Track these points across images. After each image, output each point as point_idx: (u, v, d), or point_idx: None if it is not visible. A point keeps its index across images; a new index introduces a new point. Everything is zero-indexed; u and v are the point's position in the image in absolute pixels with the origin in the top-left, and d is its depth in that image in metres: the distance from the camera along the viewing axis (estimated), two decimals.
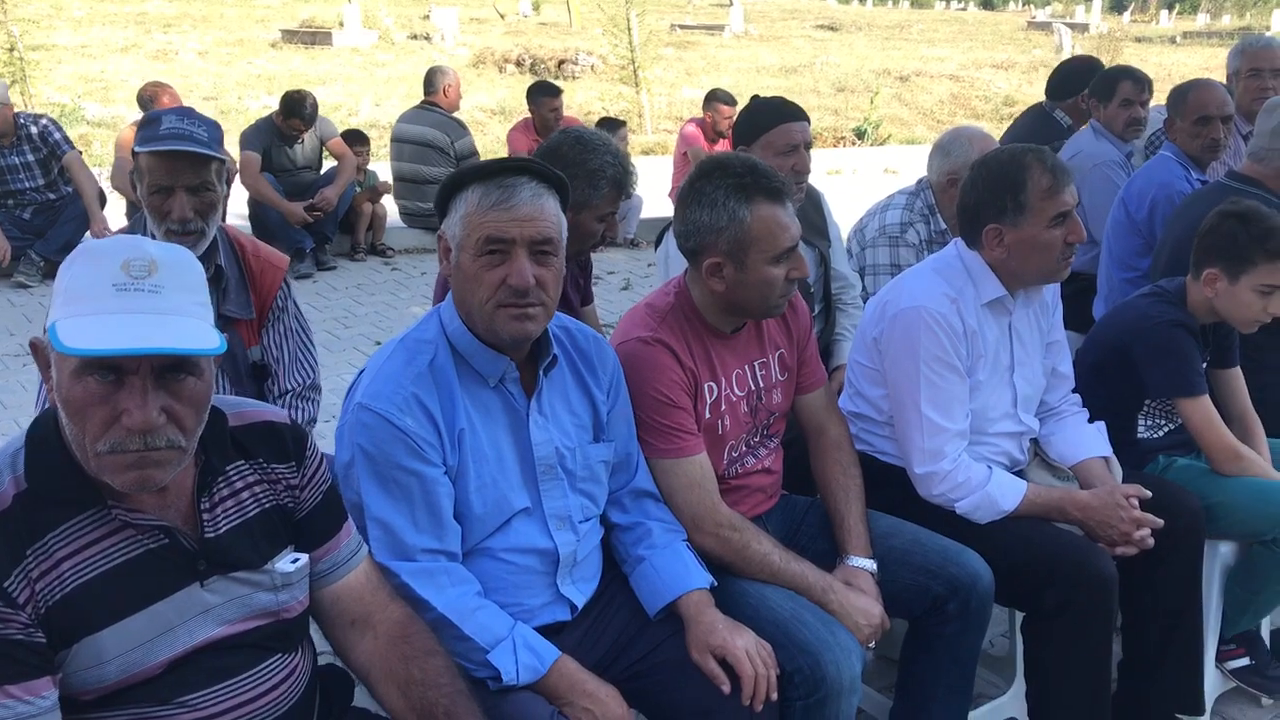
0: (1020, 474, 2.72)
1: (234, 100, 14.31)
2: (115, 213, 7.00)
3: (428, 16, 22.43)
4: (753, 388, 2.47)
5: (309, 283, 6.93)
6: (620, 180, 2.93)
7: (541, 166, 2.03)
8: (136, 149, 2.58)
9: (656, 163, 10.38)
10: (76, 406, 1.48)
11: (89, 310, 1.46)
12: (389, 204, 7.61)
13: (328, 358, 5.55)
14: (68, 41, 18.30)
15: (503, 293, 1.96)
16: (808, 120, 3.28)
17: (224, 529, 1.69)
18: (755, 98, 3.50)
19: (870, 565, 2.41)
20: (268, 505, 1.76)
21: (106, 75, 15.03)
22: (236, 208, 7.02)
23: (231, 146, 7.06)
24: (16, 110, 6.49)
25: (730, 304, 2.36)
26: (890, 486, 2.65)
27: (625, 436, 2.26)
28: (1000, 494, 2.57)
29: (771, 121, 3.22)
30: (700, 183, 2.31)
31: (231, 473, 1.72)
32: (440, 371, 2.02)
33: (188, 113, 2.62)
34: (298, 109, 6.80)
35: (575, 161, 2.89)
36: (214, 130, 2.60)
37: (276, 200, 6.78)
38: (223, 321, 2.71)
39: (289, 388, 2.83)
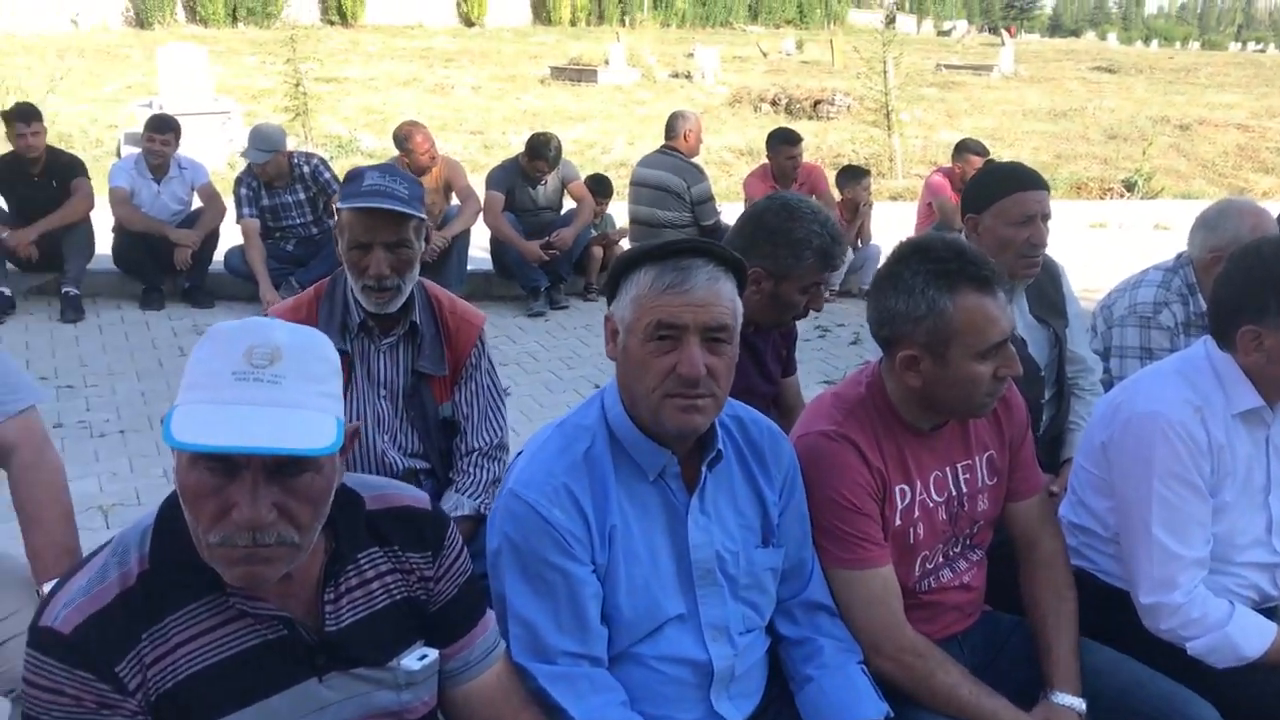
0: (1271, 613, 2.33)
1: (498, 135, 14.91)
2: None
3: (691, 55, 22.75)
4: (954, 493, 2.22)
5: (541, 321, 7.05)
6: (827, 251, 2.73)
7: (719, 249, 1.88)
8: (338, 205, 2.61)
9: (903, 209, 10.01)
10: (190, 495, 1.43)
11: (206, 398, 1.41)
12: (624, 247, 7.67)
13: (547, 397, 5.59)
14: (358, 75, 19.66)
15: (671, 382, 1.81)
16: (1047, 189, 2.98)
17: (347, 622, 1.61)
18: (989, 162, 3.22)
19: (1079, 705, 2.11)
20: (398, 597, 1.68)
21: (386, 108, 15.99)
22: (479, 240, 7.22)
23: (478, 185, 7.31)
24: (292, 149, 6.91)
25: (928, 401, 2.12)
26: (1112, 612, 2.33)
27: (799, 541, 2.06)
28: (1243, 636, 2.20)
29: (1006, 189, 2.93)
30: (898, 266, 2.09)
31: (363, 561, 1.65)
32: (596, 462, 1.89)
33: (390, 170, 2.63)
34: (542, 151, 6.94)
35: (779, 229, 2.72)
36: (414, 188, 2.59)
37: (515, 239, 6.93)
38: (415, 376, 2.71)
39: (476, 446, 2.80)
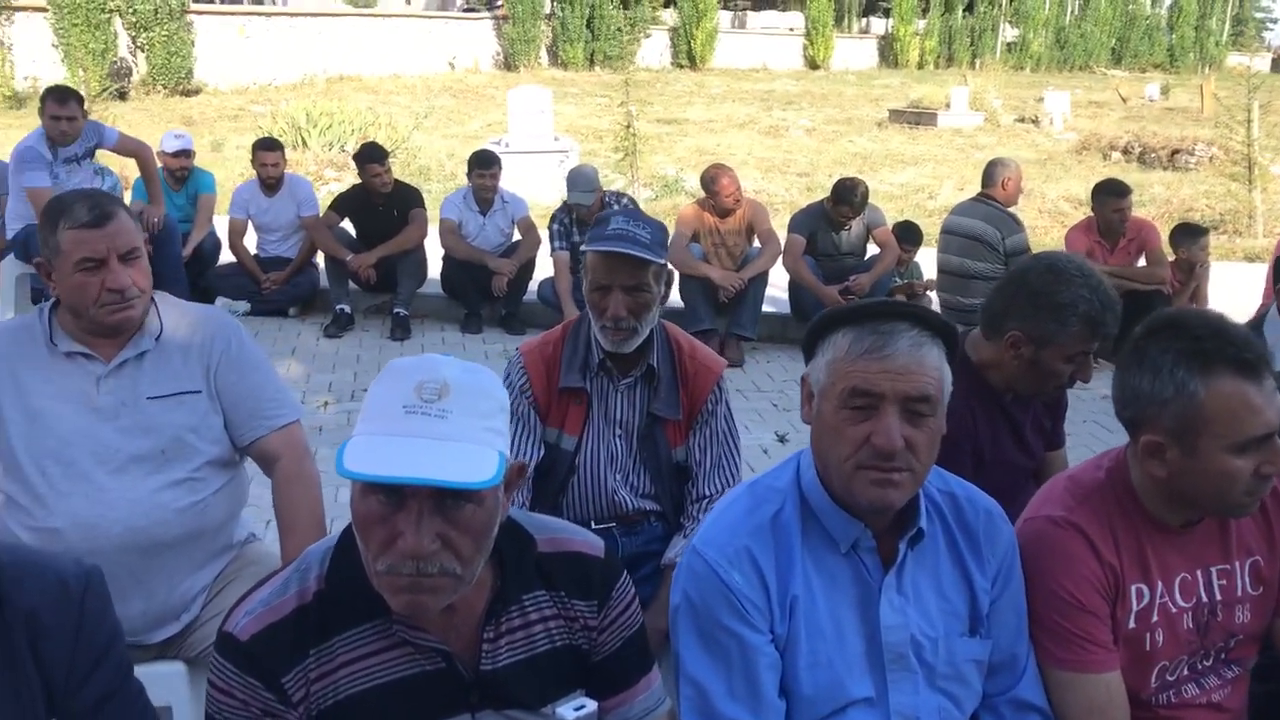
0: None
1: (824, 178, 14.84)
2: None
3: (1041, 99, 21.74)
4: (1204, 600, 1.95)
5: None
6: (1095, 318, 2.49)
7: (924, 312, 1.76)
8: (584, 248, 2.68)
9: (1257, 271, 9.04)
10: (361, 523, 1.49)
11: (377, 429, 1.46)
12: (930, 298, 7.39)
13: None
14: (698, 116, 20.25)
15: (865, 453, 1.70)
16: None
17: (503, 662, 1.62)
18: None
19: None
20: (559, 643, 1.67)
21: (719, 149, 16.33)
22: (777, 279, 7.20)
23: (780, 229, 7.29)
24: (605, 189, 7.17)
25: (1175, 494, 1.88)
26: None
27: (1012, 633, 1.88)
28: None
29: None
30: (1146, 341, 1.87)
31: (528, 602, 1.65)
32: (783, 527, 1.81)
33: (634, 215, 2.66)
34: (848, 196, 6.83)
35: (1043, 291, 2.52)
36: (657, 234, 2.61)
37: (813, 283, 6.85)
38: (650, 418, 2.73)
39: (706, 493, 2.76)
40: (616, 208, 6.88)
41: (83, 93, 7.32)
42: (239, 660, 1.54)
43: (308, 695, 1.54)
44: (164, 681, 2.40)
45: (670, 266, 2.74)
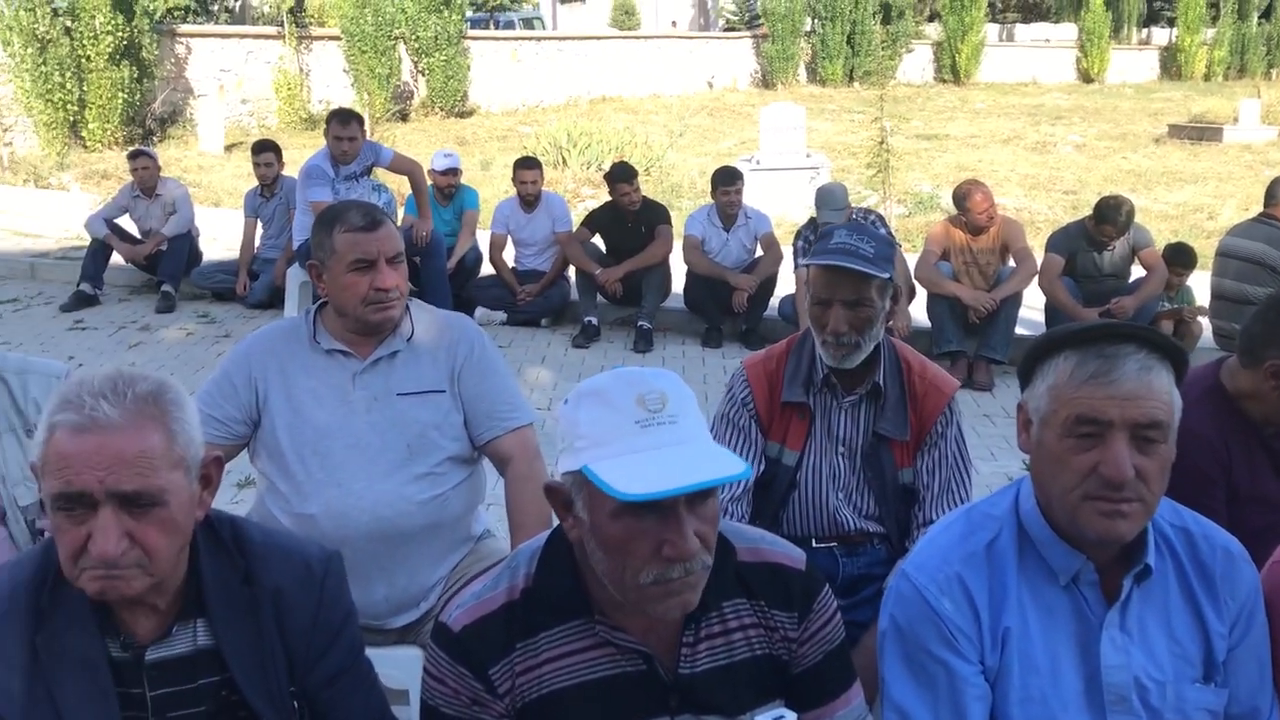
0: None
1: (1093, 196, 14.08)
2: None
3: None
4: None
5: None
6: None
7: (1152, 334, 1.66)
8: (806, 261, 2.67)
9: None
10: (617, 544, 1.52)
11: (621, 450, 1.50)
12: (1202, 324, 6.89)
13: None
14: (959, 132, 19.68)
15: (1092, 483, 1.63)
16: None
17: (702, 667, 1.65)
18: None
19: None
20: (759, 652, 1.68)
21: (980, 165, 15.81)
22: (1031, 299, 6.88)
23: (1039, 249, 6.98)
24: (853, 206, 7.07)
25: None
26: None
27: (1254, 685, 1.75)
28: None
29: None
30: None
31: (727, 610, 1.68)
32: (999, 556, 1.75)
33: (860, 229, 2.63)
34: (1111, 215, 6.47)
35: None
36: (883, 248, 2.57)
37: (1070, 305, 6.51)
38: (876, 438, 2.68)
39: (933, 517, 2.69)
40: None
41: (368, 115, 7.91)
42: (451, 650, 1.63)
43: (514, 688, 1.62)
44: (403, 665, 2.55)
45: (898, 281, 2.69)
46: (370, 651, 2.47)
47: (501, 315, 7.71)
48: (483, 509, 2.90)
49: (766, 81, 27.36)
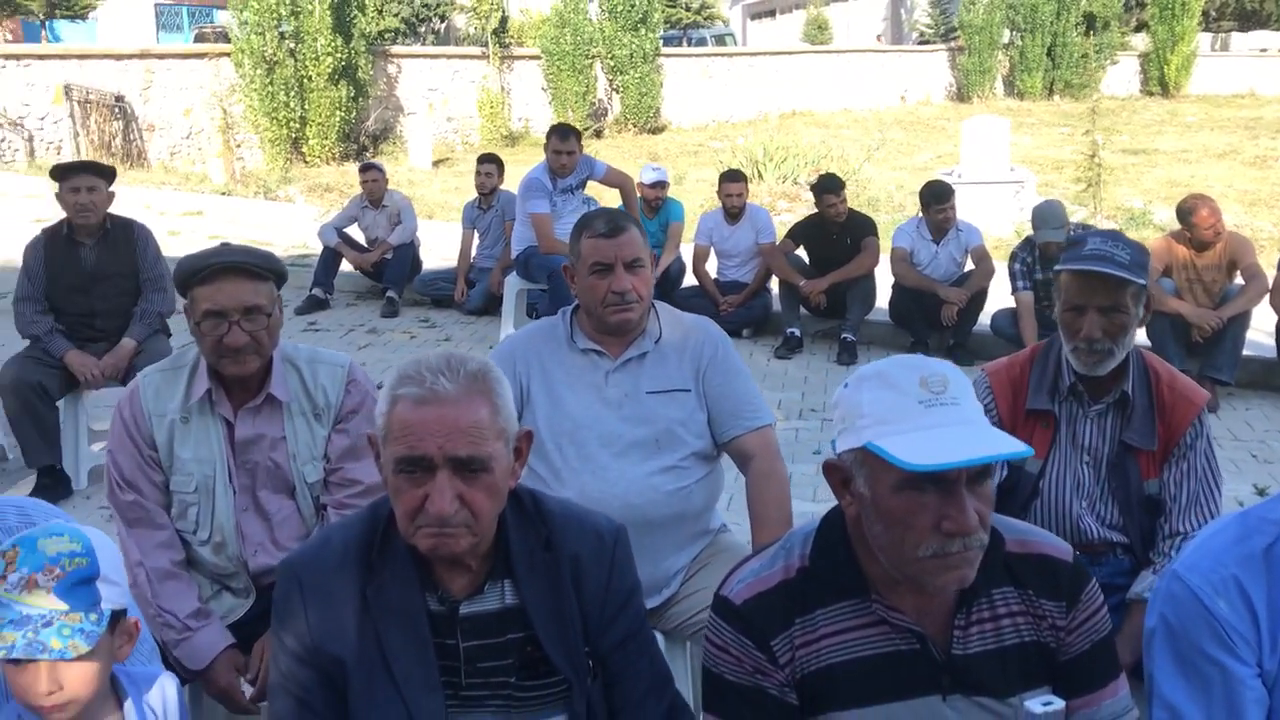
0: None
1: None
2: None
3: None
4: None
5: None
6: None
7: None
8: (1057, 267, 2.67)
9: None
10: (898, 517, 1.60)
11: (906, 428, 1.59)
12: None
13: None
14: (1169, 147, 18.84)
15: None
16: None
17: (974, 649, 1.71)
18: None
19: None
20: (1027, 639, 1.73)
21: (1193, 180, 15.10)
22: (1260, 320, 6.57)
23: (1269, 267, 6.64)
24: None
25: None
26: None
27: None
28: None
29: None
30: None
31: (996, 596, 1.73)
32: (1277, 561, 1.74)
33: (1114, 236, 2.62)
34: None
35: None
36: (1138, 255, 2.56)
37: None
38: (1121, 447, 2.67)
39: (1180, 530, 2.65)
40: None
41: None
42: (734, 621, 1.74)
43: (793, 659, 1.71)
44: None
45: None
46: None
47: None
48: (720, 505, 3.01)
49: (961, 95, 26.84)
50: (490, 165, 8.55)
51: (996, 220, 10.77)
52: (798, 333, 7.53)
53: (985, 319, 7.29)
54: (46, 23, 19.79)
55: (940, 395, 1.59)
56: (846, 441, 1.66)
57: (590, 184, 7.51)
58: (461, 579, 1.79)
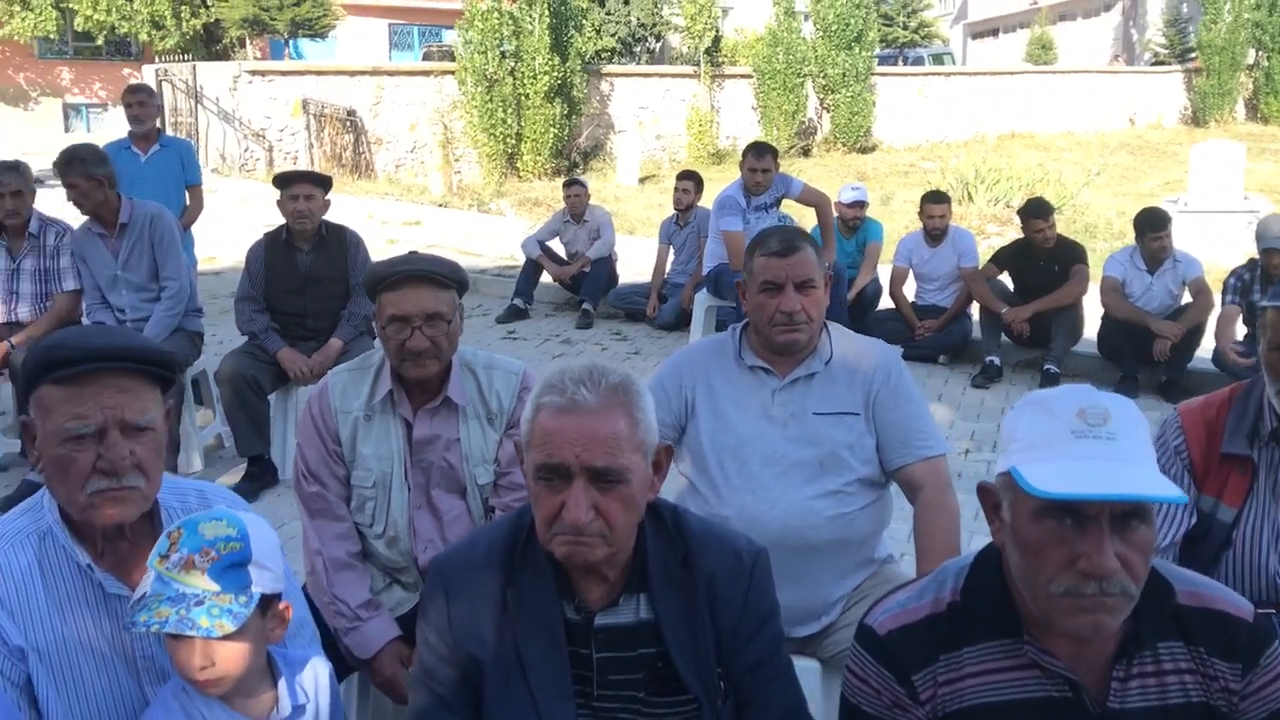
0: None
1: None
2: None
3: None
4: None
5: None
6: None
7: None
8: (1263, 303, 2.49)
9: None
10: (1033, 547, 1.54)
11: (1049, 456, 1.52)
12: None
13: None
14: None
15: None
16: None
17: (1133, 705, 1.61)
18: None
19: None
20: (1195, 699, 1.62)
21: None
22: None
23: None
24: None
25: None
26: None
27: None
28: None
29: None
30: None
31: (1162, 651, 1.62)
32: None
33: None
34: None
35: None
36: None
37: None
38: None
39: None
40: None
41: None
42: (875, 652, 1.69)
43: (934, 696, 1.65)
44: (801, 676, 2.64)
45: None
46: None
47: (899, 350, 7.64)
48: (887, 534, 2.93)
49: (1197, 118, 25.35)
50: (688, 182, 8.63)
51: (1225, 252, 10.09)
52: (997, 361, 7.26)
53: (1203, 355, 6.85)
54: (290, 41, 21.23)
55: (1096, 428, 1.51)
56: (998, 465, 1.61)
57: (788, 203, 7.47)
58: (598, 589, 1.80)
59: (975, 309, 7.61)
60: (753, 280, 2.72)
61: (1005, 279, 7.57)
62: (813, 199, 7.41)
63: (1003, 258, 7.58)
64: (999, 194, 13.66)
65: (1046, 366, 7.05)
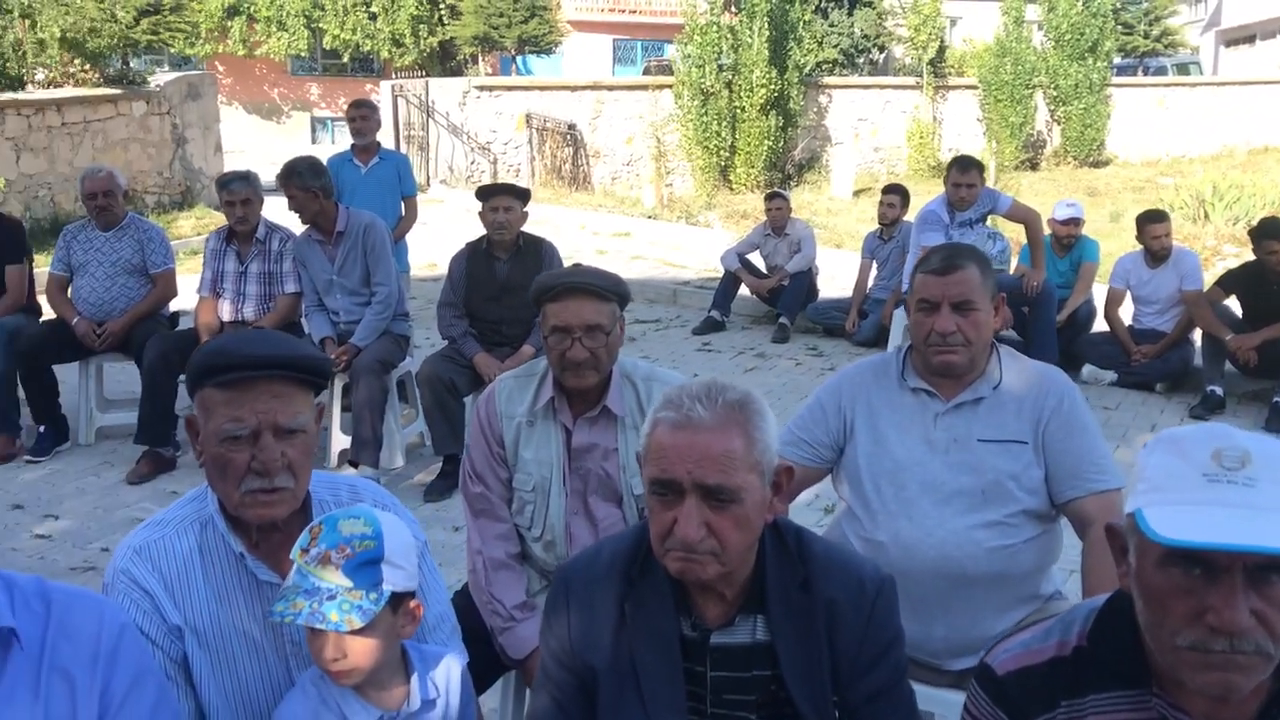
0: None
1: None
2: None
3: None
4: None
5: None
6: None
7: None
8: None
9: None
10: (1157, 595, 1.44)
11: (1177, 500, 1.42)
12: None
13: None
14: None
15: None
16: None
17: None
18: None
19: None
20: None
21: None
22: None
23: None
24: None
25: None
26: None
27: None
28: None
29: None
30: None
31: None
32: None
33: None
34: None
35: None
36: None
37: None
38: None
39: None
40: None
41: (994, 163, 7.91)
42: (992, 692, 1.62)
43: None
44: (954, 710, 2.55)
45: None
46: (920, 688, 2.51)
47: (1112, 375, 7.27)
48: (1056, 570, 2.80)
49: None
50: (894, 196, 8.47)
51: None
52: (1219, 392, 6.77)
53: None
54: (518, 57, 22.06)
55: (1232, 472, 1.39)
56: (1127, 506, 1.50)
57: (997, 219, 7.22)
58: (715, 607, 1.80)
59: (1197, 335, 7.12)
60: (912, 297, 2.66)
61: (1233, 304, 7.06)
62: (1021, 215, 7.14)
63: (1231, 281, 7.06)
64: (1239, 212, 12.74)
65: (1276, 399, 6.52)
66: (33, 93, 12.72)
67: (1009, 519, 2.57)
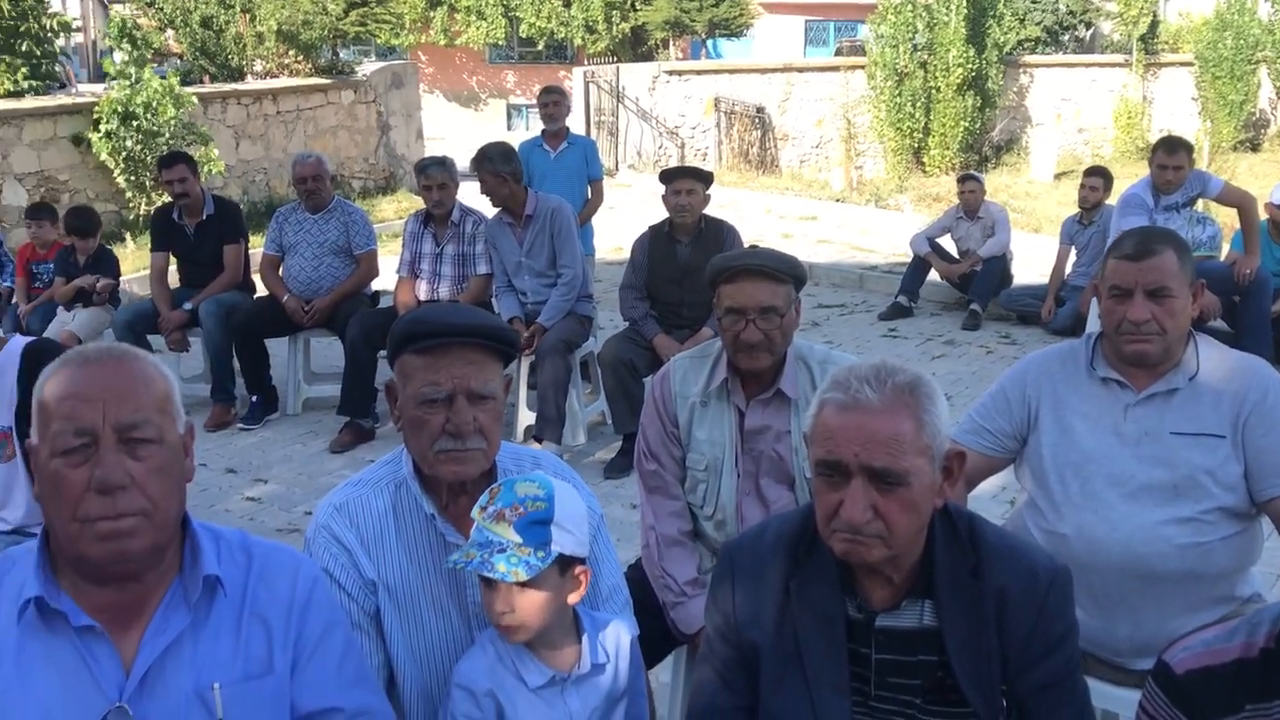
0: None
1: None
2: None
3: None
4: None
5: None
6: None
7: None
8: None
9: None
10: None
11: None
12: None
13: None
14: None
15: None
16: None
17: None
18: None
19: None
20: None
21: None
22: None
23: None
24: None
25: None
26: None
27: None
28: None
29: None
30: None
31: None
32: None
33: None
34: None
35: None
36: None
37: None
38: None
39: None
40: None
41: (1208, 144, 7.46)
42: (1170, 692, 1.56)
43: None
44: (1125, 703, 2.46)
45: None
46: (1103, 687, 2.44)
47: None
48: (1256, 571, 2.65)
49: None
50: (1096, 179, 8.09)
51: None
52: None
53: None
54: (708, 41, 22.04)
55: None
56: None
57: (1209, 204, 6.81)
58: (882, 590, 1.79)
59: None
60: (1104, 283, 2.55)
61: None
62: (1234, 199, 6.71)
63: None
64: None
65: None
66: (251, 83, 13.53)
67: (1203, 515, 2.45)
